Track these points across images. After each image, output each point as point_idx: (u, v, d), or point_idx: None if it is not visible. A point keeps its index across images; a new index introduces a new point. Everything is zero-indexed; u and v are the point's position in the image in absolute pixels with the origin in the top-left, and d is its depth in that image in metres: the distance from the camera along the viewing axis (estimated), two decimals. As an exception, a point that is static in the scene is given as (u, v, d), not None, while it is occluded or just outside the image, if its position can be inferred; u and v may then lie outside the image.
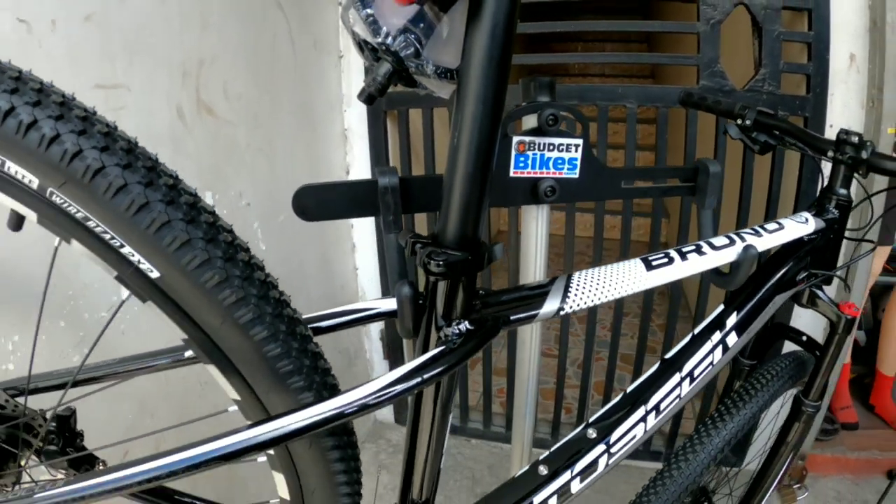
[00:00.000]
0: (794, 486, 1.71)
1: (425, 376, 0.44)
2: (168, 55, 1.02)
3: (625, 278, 0.57)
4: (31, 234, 0.78)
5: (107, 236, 0.38)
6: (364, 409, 0.43)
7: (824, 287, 0.88)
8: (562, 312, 0.53)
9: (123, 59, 0.93)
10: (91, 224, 0.38)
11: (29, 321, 0.80)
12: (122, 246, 0.38)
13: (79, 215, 0.38)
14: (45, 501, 0.45)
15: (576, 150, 0.59)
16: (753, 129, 0.92)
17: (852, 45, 1.39)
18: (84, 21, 0.86)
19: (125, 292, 0.41)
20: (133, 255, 0.38)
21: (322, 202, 0.53)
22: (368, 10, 0.41)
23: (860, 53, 1.40)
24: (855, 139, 0.78)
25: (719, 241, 0.69)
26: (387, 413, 1.97)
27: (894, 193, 1.28)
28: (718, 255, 0.67)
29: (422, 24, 0.42)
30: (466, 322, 0.48)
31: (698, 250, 0.66)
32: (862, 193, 0.88)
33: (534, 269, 0.72)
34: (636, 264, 0.59)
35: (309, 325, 0.54)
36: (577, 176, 0.60)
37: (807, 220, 0.80)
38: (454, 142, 0.43)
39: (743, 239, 0.70)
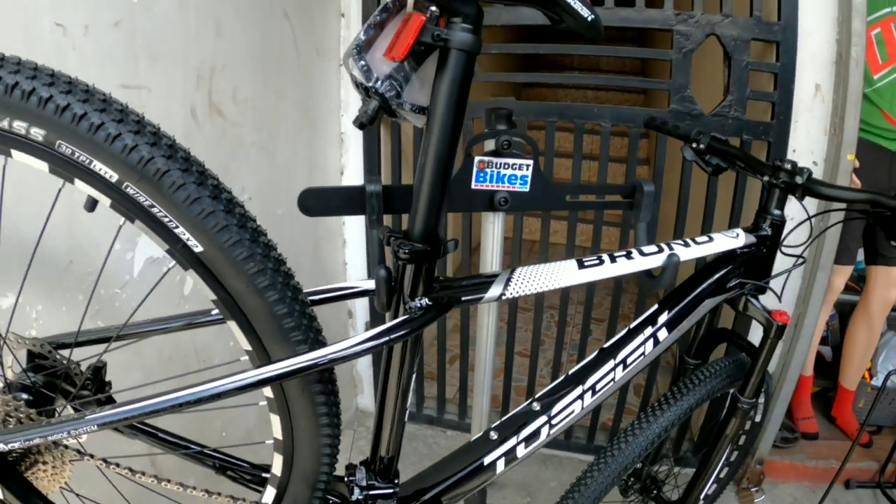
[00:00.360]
0: (752, 490, 1.88)
1: (392, 336, 0.62)
2: (185, 60, 1.18)
3: (558, 274, 0.74)
4: (58, 218, 0.94)
5: (166, 219, 0.55)
6: (346, 357, 0.61)
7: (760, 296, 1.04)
8: (503, 297, 0.71)
9: (146, 62, 1.08)
10: (154, 210, 0.55)
11: (52, 294, 0.95)
12: (176, 227, 0.55)
13: (146, 203, 0.55)
14: (98, 421, 0.61)
15: (527, 169, 0.77)
16: (707, 152, 1.08)
17: (818, 76, 1.56)
18: (113, 27, 1.01)
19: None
20: (184, 234, 0.56)
21: (321, 202, 0.71)
22: (363, 61, 0.59)
23: (825, 84, 1.57)
24: (788, 166, 0.94)
25: (649, 248, 0.85)
26: (367, 402, 2.14)
27: (851, 216, 1.44)
28: (645, 260, 0.83)
29: (402, 74, 0.60)
30: (426, 299, 0.65)
31: (628, 255, 0.82)
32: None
33: (490, 264, 0.89)
34: (570, 263, 0.76)
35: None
36: (527, 189, 0.78)
37: (738, 234, 0.94)
38: (422, 160, 0.61)
39: (671, 248, 0.87)
